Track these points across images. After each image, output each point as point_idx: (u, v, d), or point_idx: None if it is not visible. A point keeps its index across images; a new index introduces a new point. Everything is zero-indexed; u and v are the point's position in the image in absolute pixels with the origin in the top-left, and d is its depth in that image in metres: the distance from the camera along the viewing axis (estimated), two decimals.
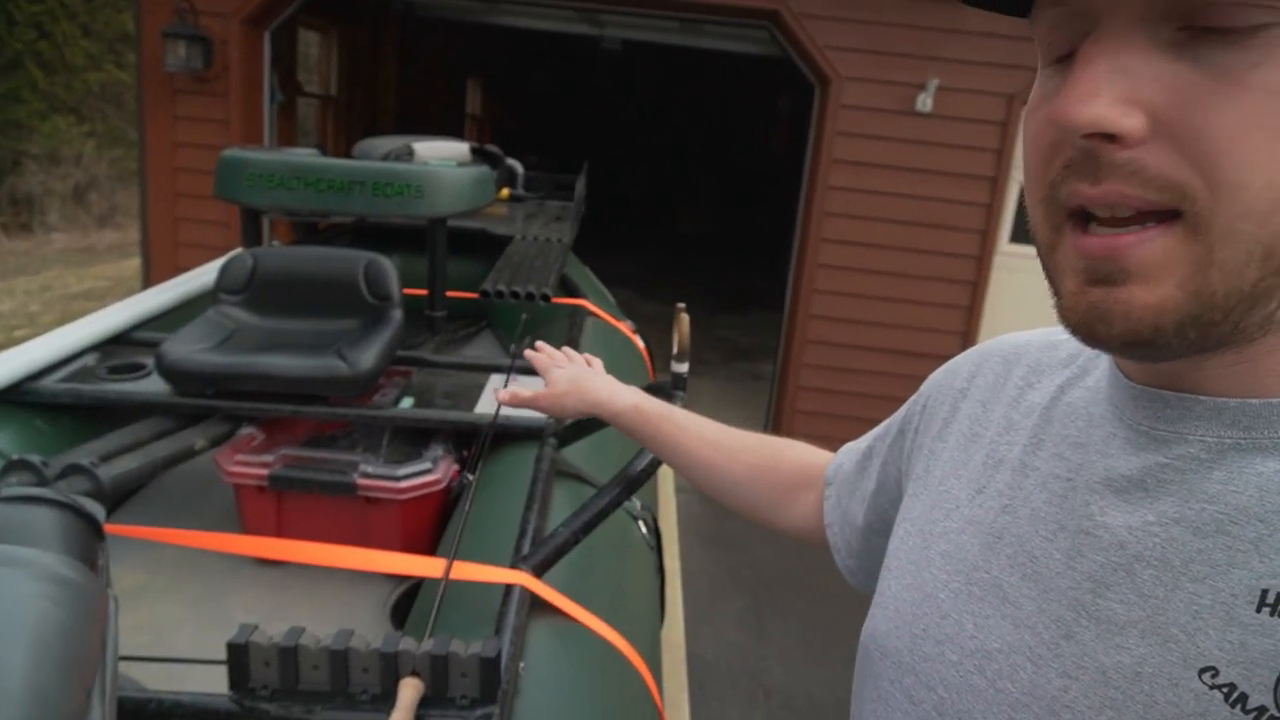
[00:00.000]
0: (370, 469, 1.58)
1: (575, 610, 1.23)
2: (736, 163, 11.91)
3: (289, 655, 0.93)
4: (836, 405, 4.43)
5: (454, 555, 1.22)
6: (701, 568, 3.47)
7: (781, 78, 8.72)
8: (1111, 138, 0.36)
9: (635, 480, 1.27)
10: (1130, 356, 0.42)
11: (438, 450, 1.67)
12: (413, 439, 1.74)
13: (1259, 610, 0.37)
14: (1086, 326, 0.39)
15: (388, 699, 0.94)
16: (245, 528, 1.63)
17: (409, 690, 0.89)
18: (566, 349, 1.08)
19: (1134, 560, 0.41)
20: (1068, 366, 0.53)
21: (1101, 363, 0.49)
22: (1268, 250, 0.35)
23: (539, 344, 1.08)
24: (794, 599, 3.36)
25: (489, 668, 0.95)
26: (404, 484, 1.57)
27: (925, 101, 3.93)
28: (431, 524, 1.68)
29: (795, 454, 0.86)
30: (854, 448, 0.76)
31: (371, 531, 1.61)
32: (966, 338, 4.29)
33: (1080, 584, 0.43)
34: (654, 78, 11.19)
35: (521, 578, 1.19)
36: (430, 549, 1.70)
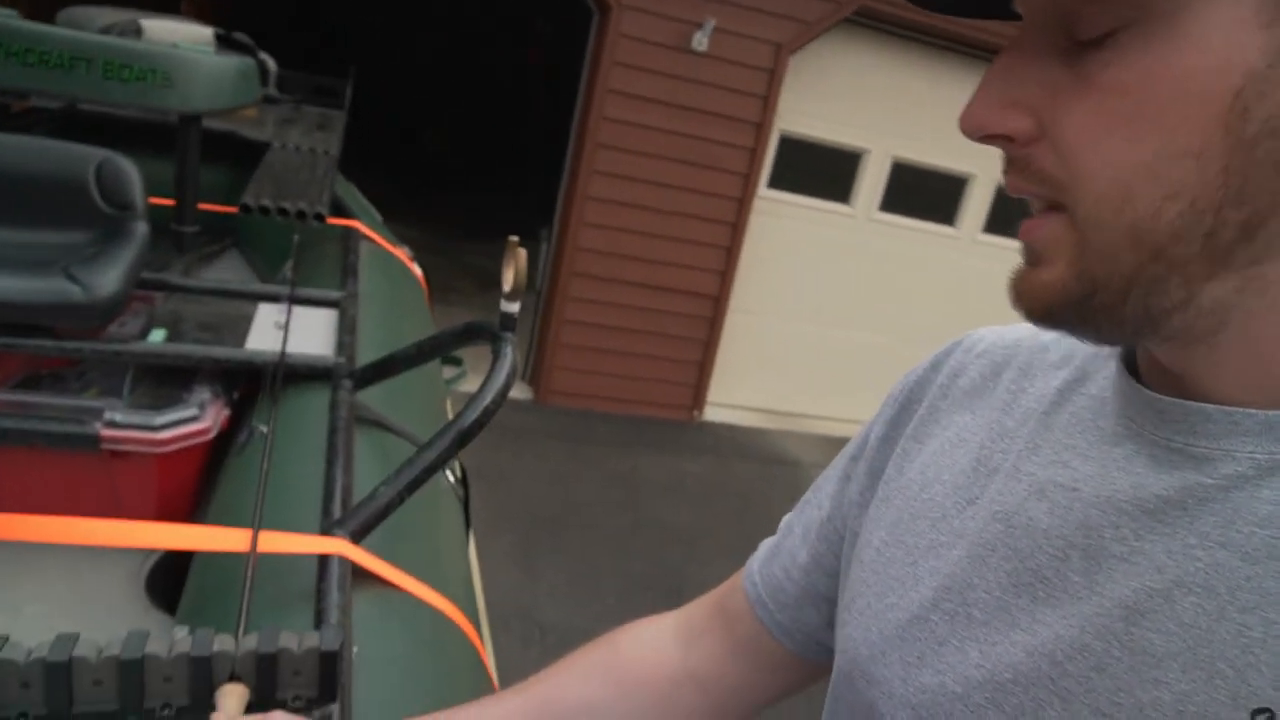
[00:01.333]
0: (118, 417, 1.31)
1: (399, 578, 1.10)
2: (488, 83, 11.45)
3: (59, 673, 0.73)
4: (600, 339, 4.45)
5: (258, 523, 1.04)
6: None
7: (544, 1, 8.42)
8: (1010, 138, 0.39)
9: (468, 432, 1.15)
10: (1049, 328, 0.41)
11: (204, 393, 1.42)
12: (163, 380, 1.47)
13: None
14: (1014, 301, 0.41)
15: (199, 710, 0.77)
16: None
17: (232, 699, 0.73)
18: None
19: (1174, 586, 0.38)
20: (1063, 368, 0.49)
21: (1105, 368, 0.46)
22: (1134, 238, 0.36)
23: None
24: (561, 536, 3.36)
25: (329, 663, 0.81)
26: (165, 434, 1.32)
27: (701, 40, 3.95)
28: (195, 483, 1.44)
29: (631, 629, 0.69)
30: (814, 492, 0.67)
31: (121, 494, 1.34)
32: (725, 277, 4.46)
33: (1110, 610, 0.40)
34: None
35: (340, 546, 1.04)
36: (191, 512, 1.46)
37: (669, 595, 3.09)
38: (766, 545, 0.67)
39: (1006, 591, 0.44)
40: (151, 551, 1.37)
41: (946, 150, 4.70)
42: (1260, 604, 0.35)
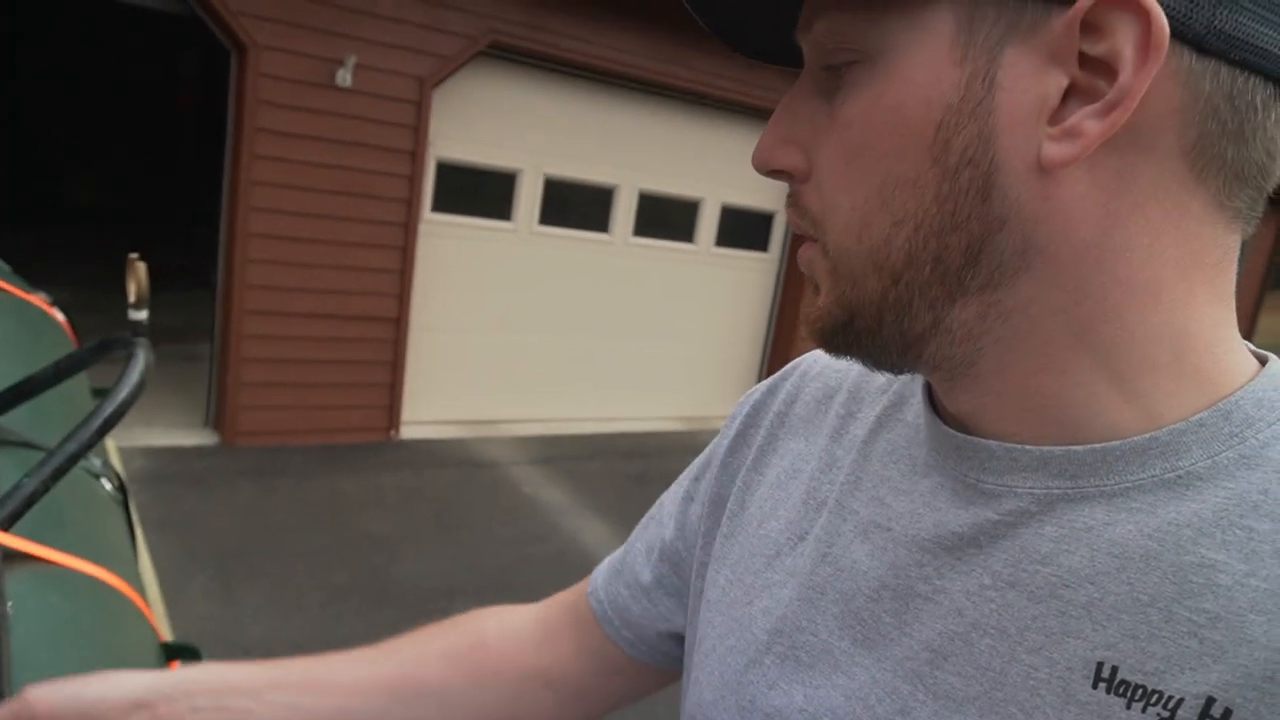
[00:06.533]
0: None
1: (54, 555, 1.24)
2: (141, 127, 10.62)
3: None
4: (284, 373, 4.47)
5: None
6: (156, 553, 3.29)
7: (186, 37, 8.05)
8: (790, 173, 0.42)
9: (110, 420, 1.31)
10: (832, 353, 0.44)
11: None
12: None
13: (1095, 686, 0.35)
14: (805, 327, 0.45)
15: None
16: None
17: None
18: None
19: (971, 628, 0.39)
20: (885, 393, 0.51)
21: (917, 392, 0.48)
22: (875, 263, 0.39)
23: None
24: (259, 562, 3.39)
25: None
26: None
27: (345, 77, 4.14)
28: None
29: (498, 615, 0.68)
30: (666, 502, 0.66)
31: None
32: (402, 299, 4.67)
33: (917, 653, 0.41)
34: (37, 26, 9.36)
35: None
36: None
37: (374, 598, 3.25)
38: (610, 560, 0.66)
39: (832, 634, 0.45)
40: None
41: (592, 165, 5.28)
42: (1045, 644, 0.37)
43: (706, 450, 0.62)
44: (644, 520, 0.65)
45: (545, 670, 0.64)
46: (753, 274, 6.33)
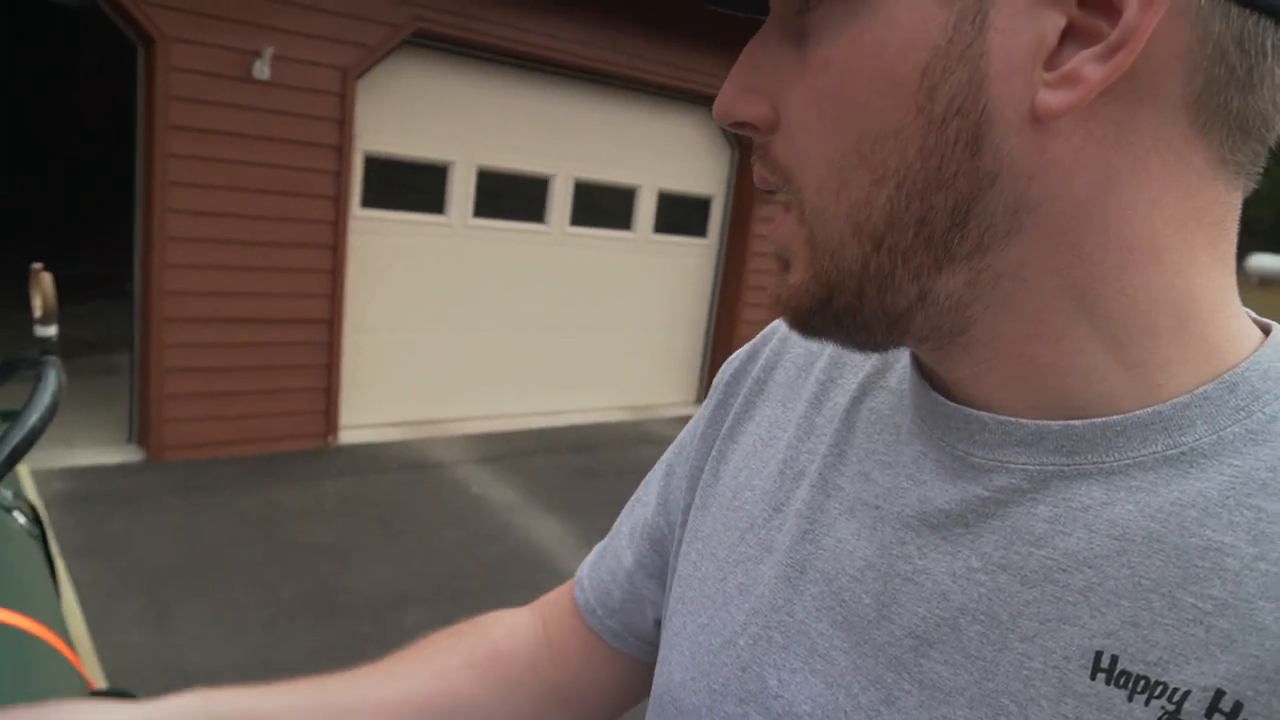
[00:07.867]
0: None
1: None
2: (36, 128, 10.06)
3: None
4: (212, 382, 4.26)
5: None
6: (82, 581, 3.10)
7: (82, 32, 7.65)
8: (755, 125, 0.38)
9: (16, 451, 1.18)
10: (809, 336, 0.41)
11: None
12: None
13: (1094, 677, 0.33)
14: (773, 309, 0.41)
15: None
16: None
17: None
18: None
19: (959, 614, 0.37)
20: (868, 359, 0.48)
21: (904, 358, 0.46)
22: (854, 226, 0.35)
23: None
24: (195, 583, 3.23)
25: None
26: None
27: (263, 69, 3.95)
28: None
29: (503, 622, 0.63)
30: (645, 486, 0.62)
31: None
32: (333, 299, 4.50)
33: (900, 639, 0.39)
34: None
35: None
36: None
37: (322, 613, 3.11)
38: (597, 547, 0.62)
39: (810, 615, 0.42)
40: None
41: (526, 154, 5.16)
42: (1039, 631, 0.35)
43: (692, 420, 0.59)
44: (629, 502, 0.62)
45: (560, 684, 0.60)
46: (692, 259, 6.29)
